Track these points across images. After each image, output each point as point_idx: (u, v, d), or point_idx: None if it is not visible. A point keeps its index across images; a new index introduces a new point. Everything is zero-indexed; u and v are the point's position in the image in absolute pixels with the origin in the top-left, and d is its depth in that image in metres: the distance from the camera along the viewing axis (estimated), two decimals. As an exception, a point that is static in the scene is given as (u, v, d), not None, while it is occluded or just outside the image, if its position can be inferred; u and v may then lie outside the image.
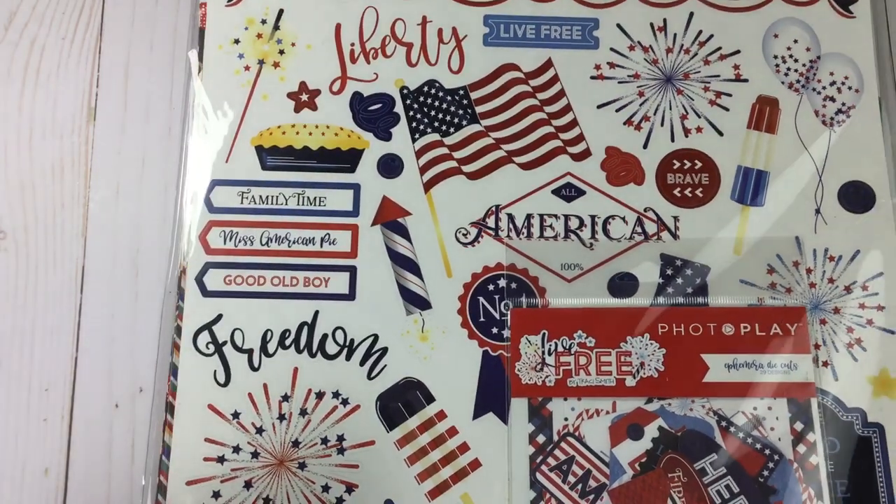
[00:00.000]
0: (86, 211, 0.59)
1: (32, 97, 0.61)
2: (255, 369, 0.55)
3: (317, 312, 0.56)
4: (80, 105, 0.61)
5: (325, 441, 0.54)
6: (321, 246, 0.57)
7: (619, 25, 0.60)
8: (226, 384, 0.55)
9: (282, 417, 0.54)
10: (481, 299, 0.56)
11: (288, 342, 0.55)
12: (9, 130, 0.60)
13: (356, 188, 0.58)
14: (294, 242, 0.57)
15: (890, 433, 0.53)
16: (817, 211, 0.57)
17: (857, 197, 0.57)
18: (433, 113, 0.59)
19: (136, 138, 0.60)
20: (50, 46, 0.62)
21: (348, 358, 0.55)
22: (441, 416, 0.54)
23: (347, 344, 0.55)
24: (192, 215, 0.57)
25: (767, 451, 0.51)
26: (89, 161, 0.60)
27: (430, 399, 0.54)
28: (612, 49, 0.60)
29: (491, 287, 0.56)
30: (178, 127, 0.60)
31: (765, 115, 0.59)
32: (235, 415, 0.54)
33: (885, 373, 0.54)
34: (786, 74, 0.60)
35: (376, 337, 0.55)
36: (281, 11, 0.60)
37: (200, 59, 0.60)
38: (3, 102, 0.61)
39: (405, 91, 0.60)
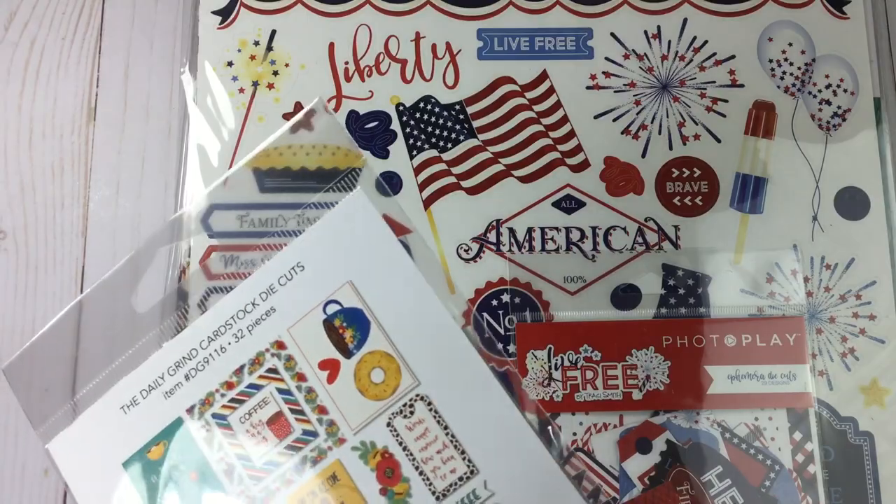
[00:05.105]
0: (86, 211, 0.63)
1: (32, 97, 0.65)
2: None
3: (322, 334, 0.60)
4: (80, 105, 0.65)
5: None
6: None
7: (612, 34, 0.65)
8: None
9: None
10: (485, 315, 0.61)
11: (294, 365, 0.60)
12: (9, 130, 0.64)
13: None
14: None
15: (879, 442, 0.58)
16: (814, 218, 0.62)
17: (852, 204, 0.61)
18: (430, 129, 0.63)
19: (136, 138, 0.64)
20: (50, 46, 0.66)
21: (356, 379, 0.60)
22: (451, 433, 0.59)
23: (354, 365, 0.60)
24: (191, 240, 0.61)
25: (769, 462, 0.57)
26: (89, 161, 0.64)
27: (438, 417, 0.59)
28: (606, 58, 0.64)
29: (494, 302, 0.61)
30: (178, 127, 0.64)
31: (762, 120, 0.63)
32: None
33: (876, 382, 0.59)
34: (781, 78, 0.64)
35: (382, 357, 0.60)
36: (273, 32, 0.64)
37: (194, 79, 0.64)
38: (3, 102, 0.65)
39: (401, 108, 0.64)
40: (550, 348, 0.59)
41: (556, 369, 0.59)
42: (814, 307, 0.60)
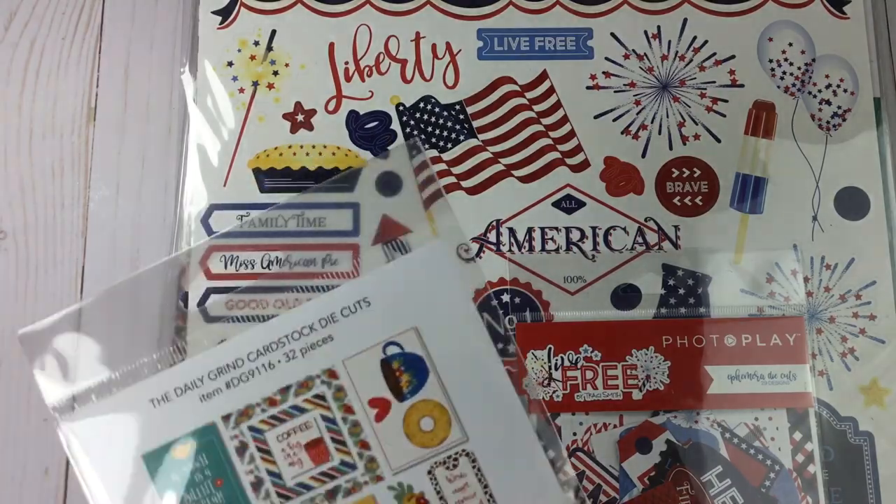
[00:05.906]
0: (86, 211, 0.63)
1: (32, 97, 0.65)
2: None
3: (322, 334, 0.61)
4: (80, 105, 0.65)
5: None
6: (322, 266, 0.61)
7: (613, 34, 0.65)
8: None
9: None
10: (486, 315, 0.61)
11: (294, 365, 0.60)
12: (9, 130, 0.65)
13: (355, 207, 0.62)
14: (295, 264, 0.62)
15: (879, 442, 0.58)
16: (814, 218, 0.62)
17: (851, 203, 0.62)
18: (430, 129, 0.64)
19: (136, 138, 0.64)
20: (50, 46, 0.66)
21: (356, 379, 0.60)
22: (451, 433, 0.59)
23: (354, 365, 0.60)
24: (192, 240, 0.62)
25: (769, 462, 0.57)
26: (89, 161, 0.64)
27: (439, 417, 0.60)
28: (606, 58, 0.65)
29: (494, 302, 0.61)
30: (178, 127, 0.64)
31: (762, 120, 0.64)
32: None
33: (876, 382, 0.59)
34: (781, 78, 0.64)
35: (383, 357, 0.60)
36: (273, 32, 0.64)
37: (194, 79, 0.64)
38: (3, 102, 0.65)
39: (401, 108, 0.64)
40: (550, 348, 0.59)
41: (556, 369, 0.59)
42: (814, 307, 0.60)
